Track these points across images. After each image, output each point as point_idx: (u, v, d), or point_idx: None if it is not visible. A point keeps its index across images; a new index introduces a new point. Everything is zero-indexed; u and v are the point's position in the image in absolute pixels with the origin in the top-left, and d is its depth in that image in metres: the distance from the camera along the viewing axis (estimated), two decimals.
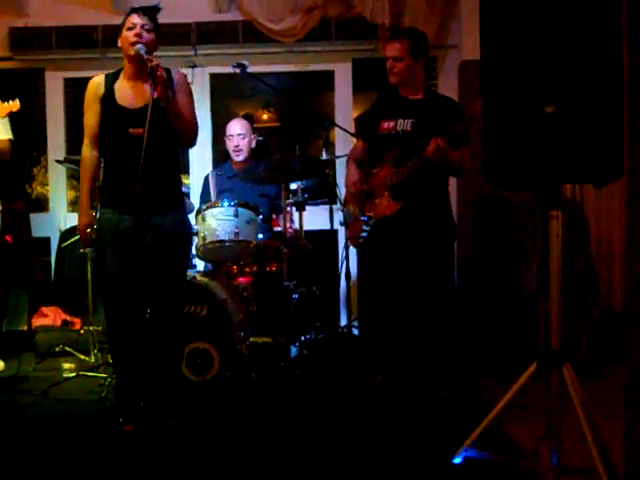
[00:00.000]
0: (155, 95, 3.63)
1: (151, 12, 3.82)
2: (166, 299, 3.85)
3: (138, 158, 3.61)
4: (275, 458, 3.45)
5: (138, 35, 3.70)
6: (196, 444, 3.64)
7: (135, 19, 3.74)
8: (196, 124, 3.94)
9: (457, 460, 3.21)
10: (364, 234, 4.44)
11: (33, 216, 6.49)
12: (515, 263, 5.75)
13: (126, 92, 3.82)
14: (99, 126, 3.87)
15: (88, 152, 3.92)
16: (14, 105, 4.98)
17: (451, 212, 4.51)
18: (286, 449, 3.57)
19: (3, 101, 5.10)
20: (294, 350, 5.00)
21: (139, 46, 3.68)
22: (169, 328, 3.87)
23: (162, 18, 5.96)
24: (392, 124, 4.36)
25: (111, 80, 3.86)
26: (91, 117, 3.87)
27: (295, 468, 3.33)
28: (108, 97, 3.82)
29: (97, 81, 3.88)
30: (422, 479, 3.22)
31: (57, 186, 6.62)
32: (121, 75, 3.87)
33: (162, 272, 3.81)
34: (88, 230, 3.94)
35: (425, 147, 4.10)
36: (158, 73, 3.58)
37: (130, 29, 3.73)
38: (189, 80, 6.12)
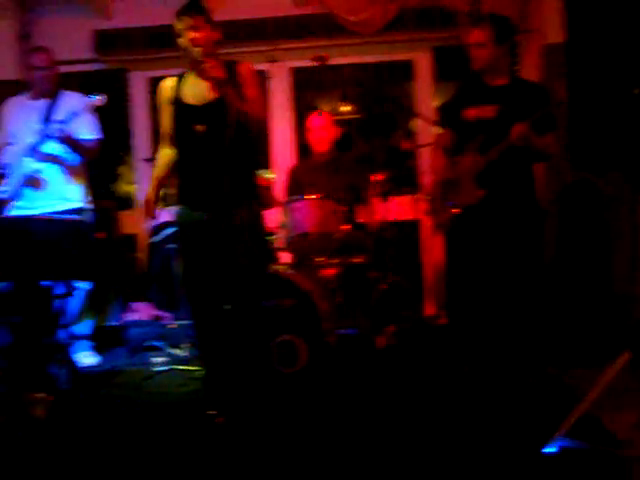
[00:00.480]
0: (213, 94, 3.75)
1: (193, 7, 3.82)
2: (243, 292, 3.89)
3: (206, 154, 3.71)
4: (364, 449, 3.46)
5: (190, 40, 3.76)
6: (285, 436, 3.67)
7: (183, 24, 3.78)
8: (262, 114, 3.96)
9: (550, 450, 3.16)
10: (450, 222, 4.40)
11: (121, 213, 6.65)
12: (606, 249, 5.63)
13: (192, 90, 3.89)
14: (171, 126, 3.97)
15: (162, 150, 4.09)
16: (100, 100, 5.06)
17: (537, 199, 4.43)
18: (375, 440, 3.57)
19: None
20: (380, 341, 5.00)
21: (193, 49, 3.75)
22: (250, 321, 3.91)
23: (241, 14, 6.12)
24: (477, 111, 4.31)
25: (179, 80, 3.96)
26: (164, 118, 3.99)
27: (385, 458, 3.34)
28: (177, 98, 3.90)
29: (167, 82, 3.99)
30: (514, 469, 3.19)
31: (144, 184, 6.73)
32: (188, 74, 3.95)
33: (238, 265, 3.85)
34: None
35: (510, 133, 4.05)
36: (212, 75, 3.64)
37: (182, 35, 3.80)
38: (269, 75, 6.26)
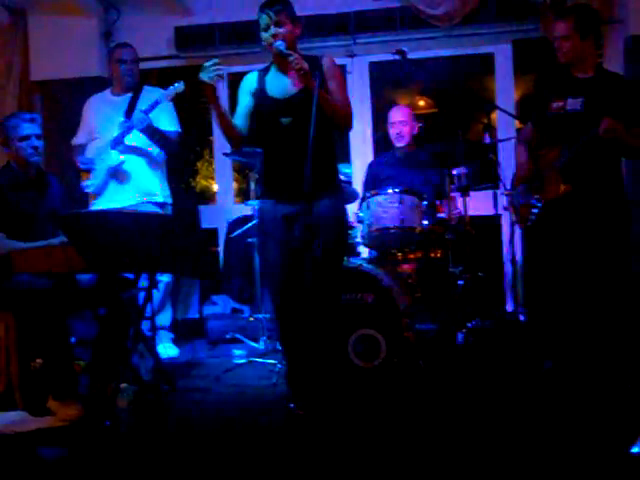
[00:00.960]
0: (297, 87, 3.77)
1: (278, 1, 3.83)
2: (323, 285, 3.89)
3: (290, 147, 3.72)
4: (442, 446, 3.42)
5: (273, 36, 3.77)
6: (363, 430, 3.66)
7: (265, 19, 3.80)
8: (348, 107, 3.95)
9: (636, 450, 3.10)
10: (533, 217, 4.34)
11: (201, 208, 6.73)
12: None
13: (276, 84, 3.92)
14: (248, 117, 3.99)
15: None
16: (179, 88, 5.14)
17: (625, 193, 4.33)
18: (453, 437, 3.53)
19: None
20: (460, 337, 4.97)
21: (277, 43, 3.75)
22: (328, 314, 3.90)
23: (320, 8, 6.13)
24: (561, 104, 4.23)
25: (263, 74, 3.98)
26: (240, 105, 4.01)
27: (462, 455, 3.30)
28: (260, 91, 3.93)
29: (249, 77, 4.02)
30: (598, 469, 3.12)
31: (224, 179, 6.81)
32: (271, 68, 3.97)
33: (318, 258, 3.81)
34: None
35: (596, 126, 3.97)
36: (297, 67, 3.63)
37: (265, 30, 3.81)
38: (348, 70, 6.26)
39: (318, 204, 3.79)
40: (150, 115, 5.19)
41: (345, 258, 4.49)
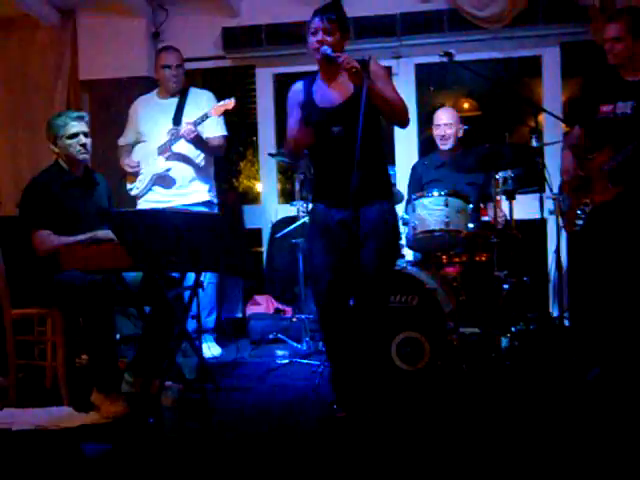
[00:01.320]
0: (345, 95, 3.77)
1: (333, 8, 3.82)
2: (372, 289, 3.87)
3: (341, 154, 3.71)
4: (483, 452, 3.39)
5: (320, 42, 3.74)
6: (405, 433, 3.64)
7: (317, 23, 3.76)
8: (402, 101, 3.92)
9: None
10: (580, 221, 4.29)
11: (246, 208, 6.76)
12: None
13: (324, 93, 3.89)
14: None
15: None
16: (230, 104, 5.17)
17: None
18: (495, 443, 3.49)
19: (219, 99, 5.32)
20: (505, 341, 4.93)
21: (323, 48, 3.72)
22: (375, 317, 3.89)
23: (367, 10, 6.13)
24: (611, 107, 4.19)
25: (309, 84, 3.95)
26: (293, 120, 3.96)
27: (503, 463, 3.25)
28: (308, 101, 3.90)
29: (296, 87, 3.99)
30: None
31: (268, 179, 6.83)
32: (317, 77, 3.95)
33: (369, 261, 3.81)
34: None
35: None
36: (348, 67, 3.61)
37: (313, 34, 3.78)
38: (394, 71, 6.25)
39: (369, 210, 3.78)
40: (198, 125, 5.24)
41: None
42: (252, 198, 8.47)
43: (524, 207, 5.59)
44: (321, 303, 3.94)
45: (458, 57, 5.02)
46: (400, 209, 5.26)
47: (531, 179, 5.44)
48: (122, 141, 5.66)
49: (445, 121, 5.48)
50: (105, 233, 4.23)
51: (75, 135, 4.38)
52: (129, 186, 5.56)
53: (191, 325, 4.93)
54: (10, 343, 4.43)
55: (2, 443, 3.75)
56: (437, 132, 5.53)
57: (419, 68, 6.56)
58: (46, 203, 4.31)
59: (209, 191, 5.57)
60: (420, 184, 5.55)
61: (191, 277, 4.26)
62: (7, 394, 4.44)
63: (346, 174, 3.61)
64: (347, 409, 3.83)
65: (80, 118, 4.45)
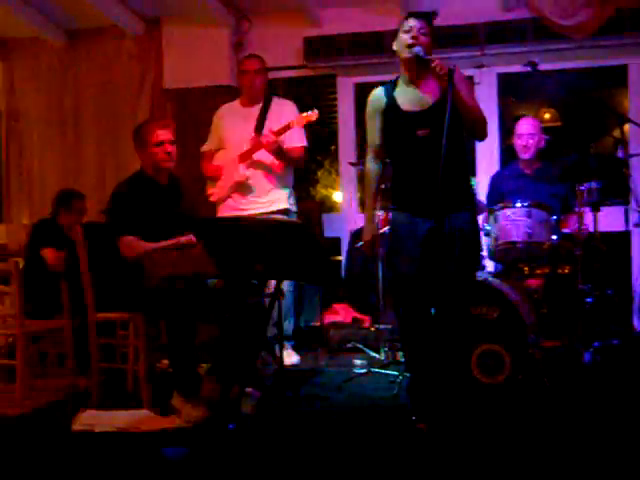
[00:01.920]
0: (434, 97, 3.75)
1: (427, 17, 3.82)
2: (455, 299, 3.83)
3: (427, 159, 3.67)
4: (561, 469, 3.30)
5: (415, 38, 3.72)
6: (484, 447, 3.58)
7: (412, 22, 3.76)
8: (484, 115, 3.90)
9: None
10: None
11: (325, 216, 6.78)
12: None
13: (408, 97, 3.86)
14: (383, 136, 3.97)
15: (371, 165, 4.05)
16: (312, 115, 5.19)
17: None
18: (575, 460, 3.40)
19: (300, 109, 5.35)
20: (587, 355, 4.82)
21: (417, 48, 3.70)
22: (456, 328, 3.85)
23: (449, 20, 6.11)
24: None
25: (390, 89, 3.93)
26: (373, 130, 3.99)
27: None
28: (391, 106, 3.89)
29: (376, 94, 3.97)
30: None
31: (348, 188, 6.84)
32: (399, 82, 3.93)
33: (453, 271, 3.77)
34: (370, 245, 4.05)
35: None
36: (441, 72, 3.58)
37: (407, 32, 3.76)
38: (476, 80, 6.19)
39: (456, 217, 3.76)
40: (280, 135, 5.28)
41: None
42: (329, 207, 8.49)
43: (608, 219, 5.49)
44: (403, 313, 3.93)
45: (541, 66, 4.98)
46: (481, 219, 5.22)
47: (615, 191, 5.34)
48: (205, 147, 5.73)
49: (527, 131, 5.40)
50: (188, 239, 4.30)
51: (161, 143, 4.45)
52: (209, 192, 5.62)
53: (270, 332, 4.95)
54: (93, 346, 4.52)
55: (84, 444, 3.82)
56: (519, 141, 5.45)
57: (501, 78, 6.50)
58: (132, 209, 4.38)
59: (288, 199, 5.60)
60: (499, 194, 5.47)
61: (271, 284, 4.28)
62: (90, 396, 4.53)
63: (431, 180, 3.58)
64: (426, 421, 3.81)
65: (166, 126, 4.52)
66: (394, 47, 3.87)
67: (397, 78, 3.94)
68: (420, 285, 3.83)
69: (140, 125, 4.64)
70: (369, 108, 4.00)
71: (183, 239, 4.34)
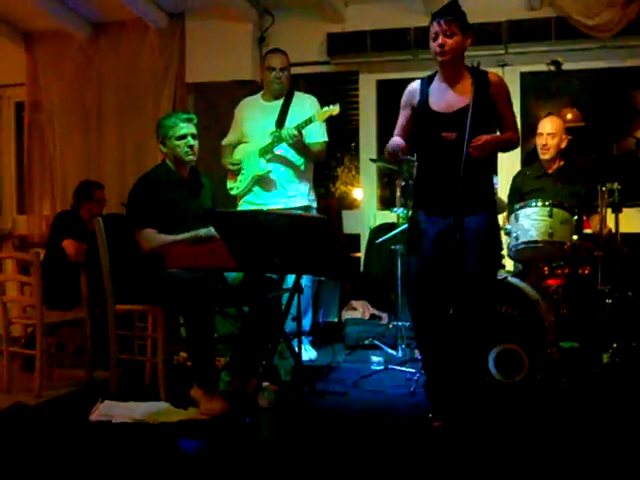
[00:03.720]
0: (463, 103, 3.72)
1: (452, 9, 3.76)
2: (474, 298, 3.82)
3: (450, 161, 3.66)
4: (578, 470, 3.30)
5: (440, 45, 3.71)
6: (500, 446, 3.58)
7: (436, 27, 3.72)
8: (516, 137, 3.94)
9: None
10: None
11: (344, 213, 6.78)
12: None
13: (440, 97, 3.85)
14: (410, 130, 3.97)
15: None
16: (334, 110, 5.19)
17: None
18: (591, 461, 3.39)
19: (322, 104, 5.35)
20: (606, 357, 4.79)
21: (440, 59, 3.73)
22: (475, 328, 3.84)
23: (473, 18, 6.02)
24: None
25: (426, 84, 3.91)
26: (402, 118, 3.99)
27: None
28: (423, 103, 3.87)
29: (414, 87, 3.96)
30: None
31: (368, 185, 6.83)
32: (436, 78, 3.91)
33: (472, 271, 3.77)
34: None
35: None
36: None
37: (433, 39, 3.75)
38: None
39: (473, 219, 3.76)
40: (301, 130, 5.28)
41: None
42: (348, 204, 8.49)
43: (630, 220, 5.45)
44: (417, 312, 3.93)
45: (564, 66, 4.95)
46: (502, 219, 5.21)
47: (638, 192, 5.30)
48: (226, 141, 5.74)
49: (549, 130, 5.36)
50: (207, 232, 4.31)
51: (184, 136, 4.46)
52: (229, 185, 5.63)
53: (288, 327, 4.96)
54: (112, 338, 4.54)
55: (102, 435, 3.84)
56: (539, 141, 5.41)
57: (524, 77, 6.47)
58: (152, 202, 4.40)
59: (308, 195, 5.60)
60: (520, 194, 5.45)
61: (290, 279, 4.29)
62: (108, 387, 4.55)
63: (452, 181, 3.60)
64: (443, 418, 3.80)
65: (189, 120, 4.53)
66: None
67: (436, 72, 3.92)
68: (432, 285, 3.82)
69: (163, 118, 4.66)
70: (403, 99, 4.00)
71: (202, 232, 4.35)
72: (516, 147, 3.96)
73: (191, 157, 4.50)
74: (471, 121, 3.59)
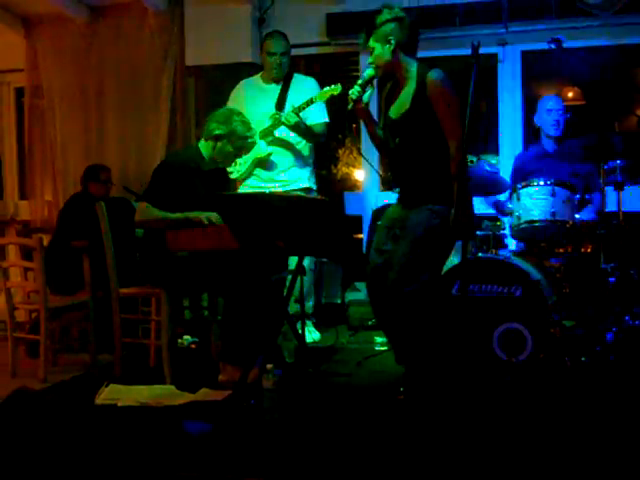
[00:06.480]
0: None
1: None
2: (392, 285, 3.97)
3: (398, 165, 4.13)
4: (577, 451, 3.27)
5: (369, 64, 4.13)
6: (502, 425, 3.58)
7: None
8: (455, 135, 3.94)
9: None
10: None
11: (346, 195, 6.78)
12: None
13: (394, 101, 4.09)
14: None
15: None
16: (336, 89, 5.17)
17: None
18: (594, 439, 3.38)
19: (322, 86, 5.33)
20: (609, 336, 4.79)
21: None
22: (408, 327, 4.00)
23: None
24: None
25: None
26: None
27: (601, 462, 3.15)
28: (385, 108, 4.21)
29: (388, 85, 4.20)
30: None
31: (369, 166, 6.80)
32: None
33: (397, 259, 4.00)
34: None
35: None
36: None
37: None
38: (500, 58, 6.14)
39: (415, 212, 3.97)
40: (302, 112, 5.27)
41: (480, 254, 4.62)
42: (350, 185, 8.48)
43: (632, 198, 5.44)
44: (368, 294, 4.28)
45: (566, 44, 4.93)
46: (503, 198, 5.22)
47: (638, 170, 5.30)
48: None
49: (558, 107, 5.33)
50: (206, 216, 4.29)
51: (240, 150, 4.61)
52: (229, 169, 5.61)
53: (292, 309, 4.97)
54: (117, 321, 4.56)
55: (107, 418, 3.86)
56: (549, 117, 5.36)
57: (525, 55, 6.44)
58: (168, 185, 4.38)
59: (309, 177, 5.60)
60: (523, 174, 5.44)
61: (293, 261, 4.29)
62: (112, 371, 4.57)
63: (401, 177, 4.07)
64: (405, 393, 3.94)
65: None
66: None
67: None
68: (375, 272, 4.19)
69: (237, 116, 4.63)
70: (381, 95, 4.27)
71: (191, 215, 4.32)
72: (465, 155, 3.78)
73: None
74: (410, 126, 3.81)
